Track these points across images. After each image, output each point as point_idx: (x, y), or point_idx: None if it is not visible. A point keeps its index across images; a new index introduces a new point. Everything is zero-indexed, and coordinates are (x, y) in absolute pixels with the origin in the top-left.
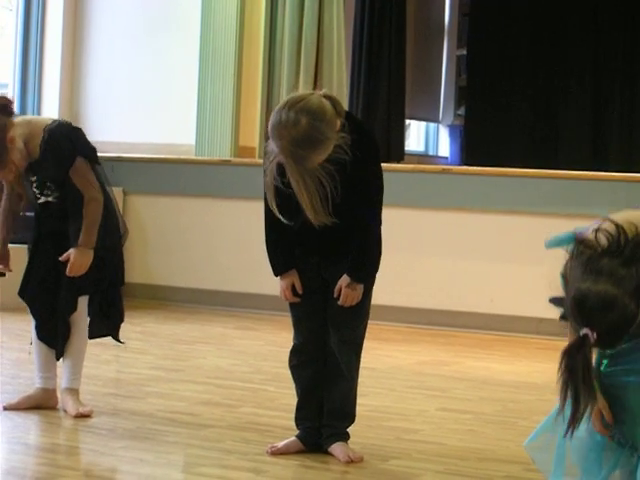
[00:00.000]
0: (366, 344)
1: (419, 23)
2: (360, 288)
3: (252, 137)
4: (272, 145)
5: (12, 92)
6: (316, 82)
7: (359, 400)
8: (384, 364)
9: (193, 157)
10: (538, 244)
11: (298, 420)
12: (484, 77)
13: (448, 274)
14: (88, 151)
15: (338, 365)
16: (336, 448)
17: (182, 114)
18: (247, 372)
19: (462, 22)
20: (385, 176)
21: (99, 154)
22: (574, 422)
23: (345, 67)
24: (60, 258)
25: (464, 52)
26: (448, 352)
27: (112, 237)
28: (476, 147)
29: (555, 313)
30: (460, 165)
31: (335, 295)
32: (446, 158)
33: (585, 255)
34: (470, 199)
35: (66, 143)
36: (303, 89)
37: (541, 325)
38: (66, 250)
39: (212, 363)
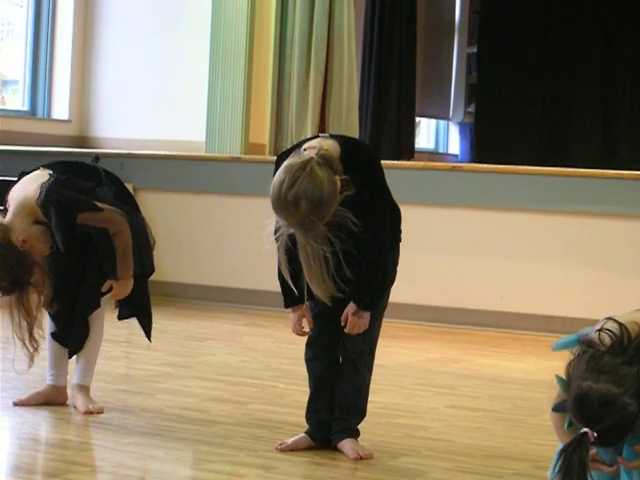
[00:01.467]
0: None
1: (429, 21)
2: (367, 315)
3: (262, 134)
4: (278, 218)
5: (22, 89)
6: (326, 80)
7: (369, 397)
8: (394, 361)
9: (203, 154)
10: (548, 242)
11: (309, 413)
12: (494, 75)
13: (458, 271)
14: (84, 204)
15: (351, 360)
16: (345, 444)
17: (192, 111)
18: (256, 369)
19: (472, 20)
20: (395, 173)
21: (109, 150)
22: None
23: (355, 64)
24: (102, 289)
25: (474, 50)
26: (458, 350)
27: (144, 259)
28: (486, 144)
29: (565, 311)
30: (470, 162)
31: (342, 324)
32: (456, 155)
33: (588, 354)
34: (480, 196)
35: (62, 212)
36: (313, 86)
37: (551, 323)
38: (80, 253)
39: (221, 360)
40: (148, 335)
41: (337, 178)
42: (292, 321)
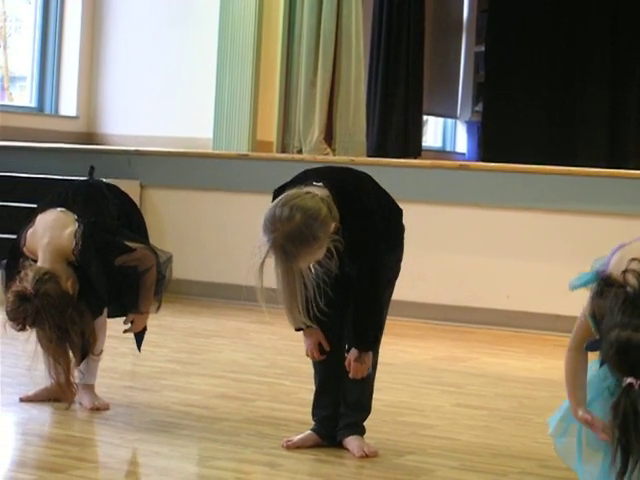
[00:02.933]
0: (382, 339)
1: (437, 19)
2: (369, 357)
3: (270, 131)
4: (263, 239)
5: (30, 85)
6: (334, 78)
7: (375, 395)
8: (399, 359)
9: (210, 151)
10: (555, 241)
11: (315, 410)
12: (502, 74)
13: (464, 270)
14: (120, 248)
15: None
16: (351, 442)
17: (200, 108)
18: (263, 366)
19: (480, 18)
20: (402, 172)
21: (116, 147)
22: (623, 473)
23: (363, 62)
24: (123, 323)
25: (482, 48)
26: (464, 348)
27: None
28: (493, 143)
29: (571, 310)
30: (477, 161)
31: (347, 367)
32: (463, 154)
33: (619, 298)
34: (487, 195)
35: (102, 260)
36: (321, 84)
37: (557, 322)
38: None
39: (228, 357)
40: (139, 344)
41: (333, 224)
42: (307, 346)
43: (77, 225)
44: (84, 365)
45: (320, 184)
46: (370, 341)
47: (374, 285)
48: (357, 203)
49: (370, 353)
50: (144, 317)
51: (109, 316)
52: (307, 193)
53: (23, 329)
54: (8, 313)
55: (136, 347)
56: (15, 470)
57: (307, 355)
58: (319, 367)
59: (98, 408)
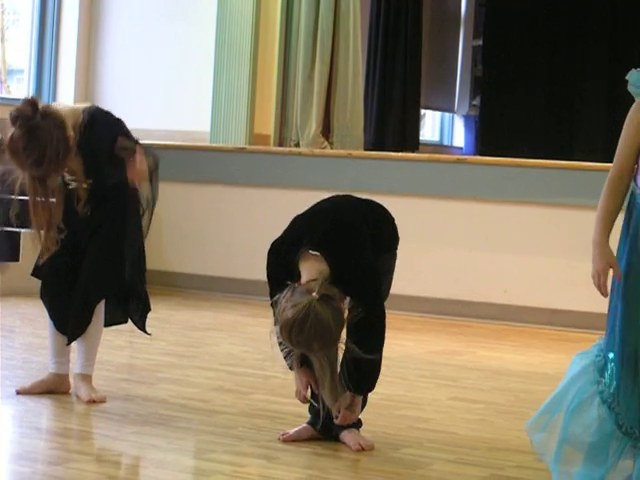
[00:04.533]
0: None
1: (435, 13)
2: (359, 402)
3: (267, 125)
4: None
5: (28, 78)
6: (332, 72)
7: None
8: (396, 353)
9: (208, 144)
10: (553, 235)
11: (311, 403)
12: (500, 68)
13: (461, 264)
14: (124, 127)
15: (349, 351)
16: (347, 435)
17: (197, 101)
18: (259, 359)
19: (478, 12)
20: (400, 165)
21: None
22: None
23: (361, 56)
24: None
25: (480, 42)
26: (460, 342)
27: (136, 235)
28: (491, 137)
29: (568, 304)
30: (475, 155)
31: (335, 416)
32: (461, 148)
33: None
34: (484, 189)
35: (110, 116)
36: (319, 78)
37: (554, 316)
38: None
39: (225, 350)
40: (143, 325)
41: (342, 306)
42: (296, 385)
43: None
44: (82, 353)
45: (317, 253)
46: (365, 387)
47: (375, 330)
48: (356, 262)
49: (360, 398)
50: (141, 164)
51: (106, 324)
52: (309, 310)
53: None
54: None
55: (141, 331)
56: (12, 462)
57: (295, 396)
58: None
59: (94, 401)
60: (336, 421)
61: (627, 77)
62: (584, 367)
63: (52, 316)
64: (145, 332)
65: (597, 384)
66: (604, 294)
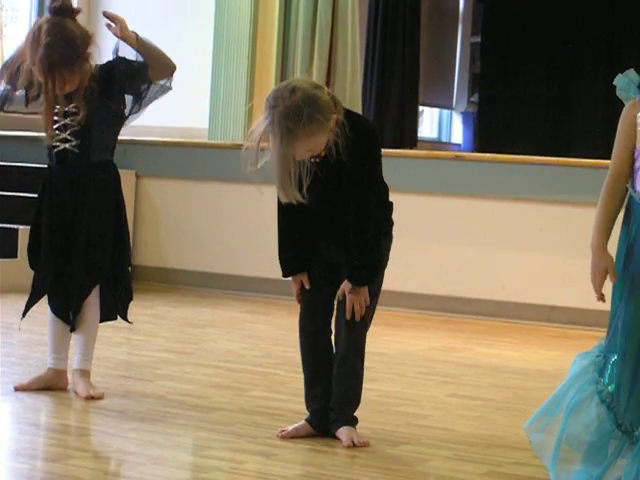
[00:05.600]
0: (377, 330)
1: (434, 9)
2: (364, 291)
3: None
4: (263, 116)
5: None
6: (330, 68)
7: (369, 385)
8: (394, 350)
9: (206, 141)
10: (551, 232)
11: (308, 402)
12: (498, 64)
13: (460, 261)
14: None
15: (343, 351)
16: (342, 432)
17: (195, 98)
18: (257, 356)
19: (477, 9)
20: (398, 162)
21: None
22: None
23: (359, 53)
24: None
25: (478, 39)
26: (459, 339)
27: (125, 212)
28: (489, 134)
29: (566, 300)
30: (473, 152)
31: (339, 299)
32: (459, 145)
33: None
34: (483, 186)
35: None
36: (317, 75)
37: (552, 313)
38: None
39: (223, 346)
40: (125, 314)
41: (334, 115)
42: (293, 291)
43: None
44: (79, 348)
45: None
46: (364, 276)
47: (367, 205)
48: (364, 126)
49: (365, 288)
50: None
51: (101, 320)
52: (313, 83)
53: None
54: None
55: (122, 318)
56: (10, 459)
57: (297, 300)
58: (309, 358)
59: (92, 397)
60: (348, 315)
61: (615, 82)
62: (584, 367)
63: (53, 301)
64: (126, 320)
65: (596, 384)
66: (599, 297)
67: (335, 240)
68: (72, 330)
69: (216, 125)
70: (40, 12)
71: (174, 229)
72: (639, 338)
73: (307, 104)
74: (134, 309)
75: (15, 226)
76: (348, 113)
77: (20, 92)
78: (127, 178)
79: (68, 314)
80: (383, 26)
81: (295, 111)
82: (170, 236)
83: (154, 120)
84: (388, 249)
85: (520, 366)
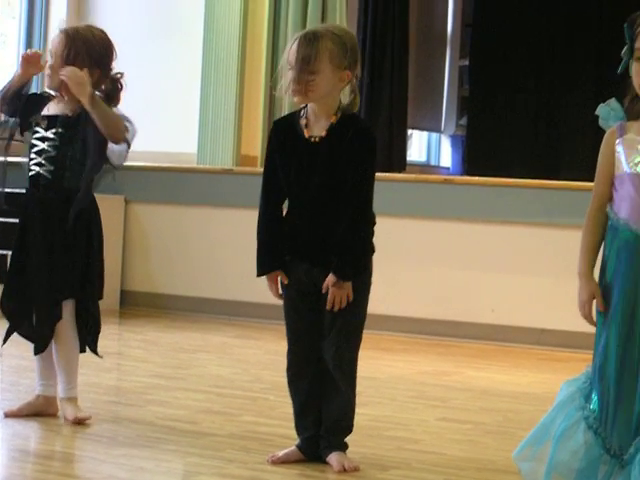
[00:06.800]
0: (367, 354)
1: (422, 33)
2: (348, 287)
3: (254, 146)
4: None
5: None
6: None
7: (360, 409)
8: (385, 374)
9: (195, 166)
10: (540, 255)
11: (298, 429)
12: (486, 87)
13: (449, 284)
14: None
15: (334, 380)
16: (332, 457)
17: (184, 122)
18: (247, 381)
19: (465, 32)
20: (387, 186)
21: None
22: None
23: None
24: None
25: (466, 62)
26: (449, 362)
27: (100, 244)
28: (478, 157)
29: (556, 323)
30: (462, 175)
31: (323, 291)
32: (448, 168)
33: None
34: (472, 209)
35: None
36: None
37: (542, 336)
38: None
39: (213, 372)
40: (95, 347)
41: (348, 72)
42: (271, 289)
43: None
44: (61, 377)
45: None
46: (349, 270)
47: (360, 201)
48: (369, 129)
49: (349, 284)
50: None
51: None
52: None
53: None
54: None
55: (92, 352)
56: None
57: (278, 298)
58: (296, 389)
59: (80, 419)
60: (328, 306)
61: (597, 112)
62: (571, 394)
63: (15, 322)
64: (96, 354)
65: (582, 410)
66: (591, 323)
67: (318, 257)
68: (35, 353)
69: (205, 150)
70: (29, 37)
71: (163, 254)
72: (618, 360)
73: (330, 36)
74: (124, 334)
75: (3, 251)
76: (355, 115)
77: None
78: (116, 203)
79: (39, 339)
80: (371, 50)
81: (319, 30)
82: (159, 261)
83: (142, 145)
84: (370, 274)
85: (510, 389)
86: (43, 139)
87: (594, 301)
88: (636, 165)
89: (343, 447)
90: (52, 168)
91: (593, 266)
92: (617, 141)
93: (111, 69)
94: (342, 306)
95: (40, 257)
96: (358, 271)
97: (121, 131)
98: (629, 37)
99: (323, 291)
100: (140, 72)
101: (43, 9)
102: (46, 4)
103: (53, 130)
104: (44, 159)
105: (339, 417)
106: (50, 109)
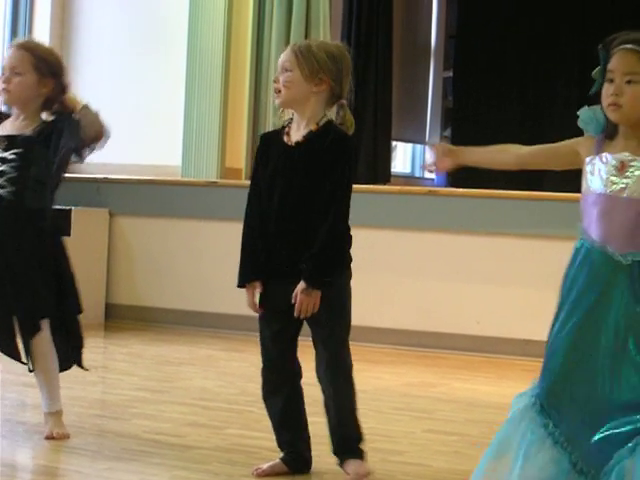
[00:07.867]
0: (353, 365)
1: (405, 45)
2: (316, 295)
3: (239, 159)
4: None
5: None
6: None
7: None
8: (370, 385)
9: (179, 178)
10: (524, 266)
11: (281, 445)
12: (470, 99)
13: (434, 296)
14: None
15: (331, 395)
16: (349, 466)
17: (168, 135)
18: (233, 394)
19: (448, 44)
20: (372, 198)
21: (84, 175)
22: None
23: None
24: None
25: (450, 74)
26: (434, 374)
27: (67, 258)
28: (462, 169)
29: (541, 335)
30: (446, 187)
31: (293, 301)
32: (432, 180)
33: None
34: (456, 221)
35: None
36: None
37: (527, 347)
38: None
39: (198, 384)
40: (79, 360)
41: (327, 80)
42: (248, 301)
43: None
44: (43, 394)
45: None
46: (318, 278)
47: (335, 208)
48: (348, 138)
49: (318, 292)
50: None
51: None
52: None
53: None
54: None
55: (77, 366)
56: None
57: (254, 310)
58: (274, 405)
59: (54, 437)
60: (295, 313)
61: (579, 112)
62: (523, 408)
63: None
64: (81, 367)
65: (544, 427)
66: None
67: (293, 272)
68: (31, 370)
69: (190, 162)
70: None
71: (148, 267)
72: (570, 370)
73: (309, 43)
74: (109, 347)
75: None
76: (335, 125)
77: None
78: (100, 216)
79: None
80: (355, 61)
81: (306, 42)
82: (144, 274)
83: (127, 158)
84: (348, 283)
85: (496, 400)
86: (3, 160)
87: None
88: (610, 186)
89: (361, 454)
90: (13, 189)
91: (476, 156)
92: (589, 159)
93: (65, 80)
94: (307, 315)
95: (8, 280)
96: (328, 280)
97: (103, 125)
98: (603, 59)
99: (292, 301)
100: (125, 85)
101: (27, 24)
102: (30, 13)
103: (13, 150)
104: (5, 180)
105: (344, 431)
106: (7, 128)
